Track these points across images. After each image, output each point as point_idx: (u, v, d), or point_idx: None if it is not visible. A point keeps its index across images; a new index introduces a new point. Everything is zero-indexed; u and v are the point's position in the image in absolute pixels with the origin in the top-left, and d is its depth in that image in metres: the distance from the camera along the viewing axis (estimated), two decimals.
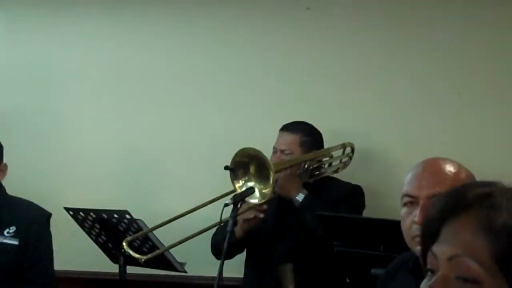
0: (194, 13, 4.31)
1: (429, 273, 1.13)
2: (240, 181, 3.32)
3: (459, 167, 2.00)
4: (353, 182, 3.72)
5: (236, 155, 3.31)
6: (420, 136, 3.99)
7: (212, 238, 3.68)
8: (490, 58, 3.95)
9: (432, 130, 3.99)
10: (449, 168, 1.98)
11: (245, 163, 3.32)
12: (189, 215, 3.40)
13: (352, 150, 3.85)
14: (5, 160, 3.56)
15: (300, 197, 3.49)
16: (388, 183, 3.95)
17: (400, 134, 4.02)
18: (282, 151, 3.62)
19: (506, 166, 3.76)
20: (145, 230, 3.50)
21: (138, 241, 3.56)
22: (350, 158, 3.85)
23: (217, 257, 3.56)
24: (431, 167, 2.00)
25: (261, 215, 3.51)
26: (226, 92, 4.25)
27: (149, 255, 3.35)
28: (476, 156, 3.63)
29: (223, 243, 3.10)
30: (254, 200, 3.30)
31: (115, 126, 4.37)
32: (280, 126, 3.72)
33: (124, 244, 3.32)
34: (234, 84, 4.25)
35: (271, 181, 3.25)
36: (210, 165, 4.07)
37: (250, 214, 3.48)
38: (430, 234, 1.14)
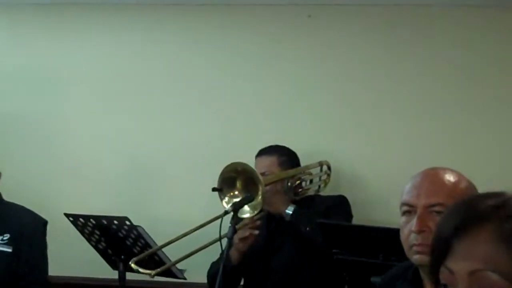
0: (195, 19, 4.31)
1: None
2: (226, 197, 3.32)
3: (459, 177, 1.99)
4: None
5: (223, 172, 3.30)
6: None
7: (209, 270, 3.68)
8: (486, 64, 3.97)
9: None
10: (448, 178, 1.98)
11: (232, 178, 3.33)
12: (187, 223, 3.39)
13: (329, 168, 3.91)
14: (3, 165, 3.56)
15: (290, 209, 3.48)
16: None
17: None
18: (262, 174, 3.60)
19: (497, 173, 3.78)
20: (148, 239, 3.51)
21: (138, 248, 3.56)
22: (328, 175, 3.90)
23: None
24: (430, 176, 2.00)
25: (256, 232, 3.48)
26: (226, 98, 4.26)
27: (158, 270, 3.34)
28: (471, 166, 3.63)
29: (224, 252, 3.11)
30: (245, 214, 3.30)
31: (116, 132, 4.37)
32: (278, 133, 3.73)
33: (132, 264, 3.31)
34: (233, 90, 4.26)
35: (260, 193, 3.25)
36: (209, 171, 4.05)
37: (245, 233, 3.44)
38: (441, 250, 1.11)
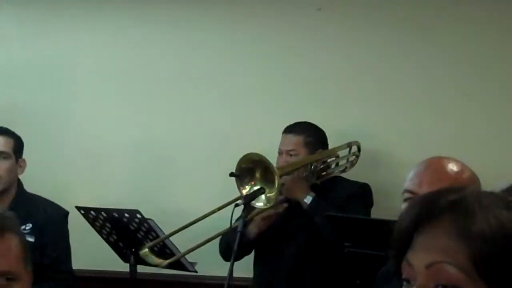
0: (204, 12, 4.31)
1: (405, 283, 1.11)
2: (247, 187, 3.33)
3: (462, 167, 2.00)
4: (360, 181, 3.73)
5: (240, 161, 3.31)
6: (427, 136, 3.99)
7: (221, 240, 3.68)
8: (497, 58, 3.96)
9: (439, 131, 3.99)
10: (452, 168, 1.99)
11: (250, 168, 3.33)
12: (198, 216, 3.41)
13: (359, 149, 3.85)
14: None
15: (308, 199, 3.49)
16: (395, 183, 3.95)
17: (407, 134, 4.03)
18: (287, 153, 3.62)
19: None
20: (159, 232, 3.53)
21: (149, 241, 3.58)
22: (357, 156, 3.84)
23: (226, 259, 3.56)
24: (434, 165, 2.01)
25: (280, 210, 3.51)
26: (236, 91, 4.26)
27: (170, 260, 3.37)
28: (484, 157, 3.63)
29: (234, 244, 3.12)
30: (260, 204, 3.31)
31: (126, 125, 4.38)
32: (287, 124, 3.72)
33: (146, 250, 3.34)
34: (244, 83, 4.26)
35: (276, 185, 3.26)
36: (221, 163, 4.07)
37: (269, 212, 3.48)
38: (402, 242, 1.12)
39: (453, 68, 4.01)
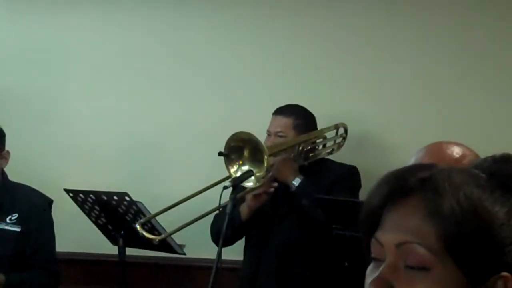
0: None
1: (373, 261, 1.11)
2: (235, 166, 3.33)
3: (464, 151, 1.94)
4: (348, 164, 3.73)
5: (229, 140, 3.32)
6: (415, 118, 3.99)
7: (212, 225, 3.67)
8: (490, 41, 3.96)
9: (428, 113, 4.00)
10: (451, 153, 1.94)
11: (239, 147, 3.34)
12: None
13: (346, 131, 3.85)
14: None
15: (296, 181, 3.48)
16: (383, 166, 3.96)
17: (395, 117, 4.03)
18: (275, 134, 3.62)
19: (503, 148, 3.76)
20: (148, 215, 3.53)
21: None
22: (344, 138, 3.85)
23: (218, 244, 3.57)
24: (434, 151, 1.97)
25: (271, 190, 3.50)
26: (224, 74, 4.24)
27: (163, 236, 3.41)
28: (472, 138, 3.63)
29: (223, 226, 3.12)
30: (249, 183, 3.31)
31: (115, 108, 4.36)
32: (275, 107, 3.72)
33: (138, 226, 3.36)
34: (231, 66, 4.24)
35: (265, 164, 3.26)
36: (208, 146, 4.07)
37: (259, 189, 3.46)
38: (371, 221, 1.11)
39: (443, 51, 4.00)
